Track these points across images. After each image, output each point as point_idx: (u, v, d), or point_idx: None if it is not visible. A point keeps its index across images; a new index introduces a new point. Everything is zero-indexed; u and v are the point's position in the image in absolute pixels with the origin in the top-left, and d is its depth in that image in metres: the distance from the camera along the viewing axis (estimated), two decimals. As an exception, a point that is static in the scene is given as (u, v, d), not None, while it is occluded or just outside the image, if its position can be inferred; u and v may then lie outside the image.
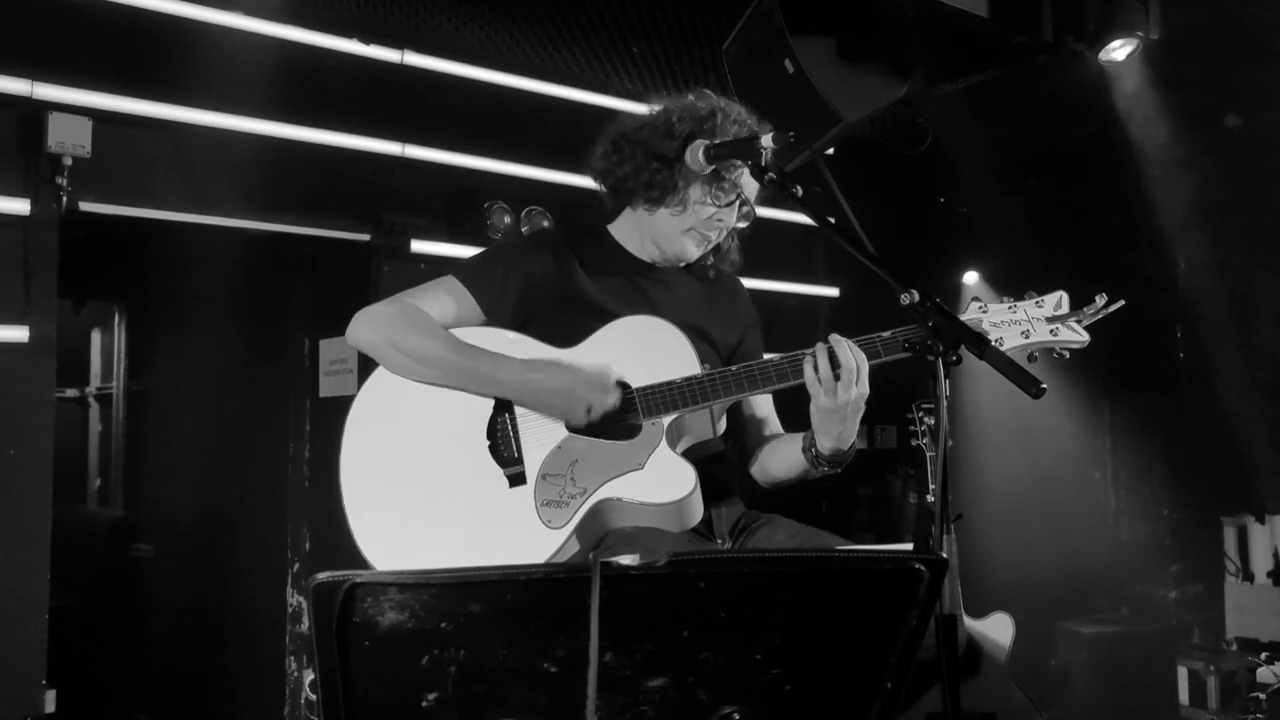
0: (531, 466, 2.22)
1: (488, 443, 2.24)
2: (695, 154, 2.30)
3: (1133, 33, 4.16)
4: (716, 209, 2.38)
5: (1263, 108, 5.42)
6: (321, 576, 1.29)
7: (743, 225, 2.45)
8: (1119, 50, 4.24)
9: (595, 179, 2.52)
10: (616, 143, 2.46)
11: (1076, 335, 2.16)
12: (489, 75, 4.94)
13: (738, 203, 2.40)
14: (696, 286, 2.53)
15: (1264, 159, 5.51)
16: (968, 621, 4.40)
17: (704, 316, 2.47)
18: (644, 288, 2.43)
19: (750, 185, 2.42)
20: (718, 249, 2.53)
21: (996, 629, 4.45)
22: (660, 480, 2.15)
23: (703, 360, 2.25)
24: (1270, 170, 5.50)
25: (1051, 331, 2.16)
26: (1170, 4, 4.23)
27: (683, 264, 2.49)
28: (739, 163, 2.33)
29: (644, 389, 2.21)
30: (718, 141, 2.32)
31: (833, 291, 6.47)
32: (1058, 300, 2.19)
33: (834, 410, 2.14)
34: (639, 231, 2.48)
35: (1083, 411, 6.43)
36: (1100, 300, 2.18)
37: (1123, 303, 2.17)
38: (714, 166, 2.33)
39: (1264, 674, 5.15)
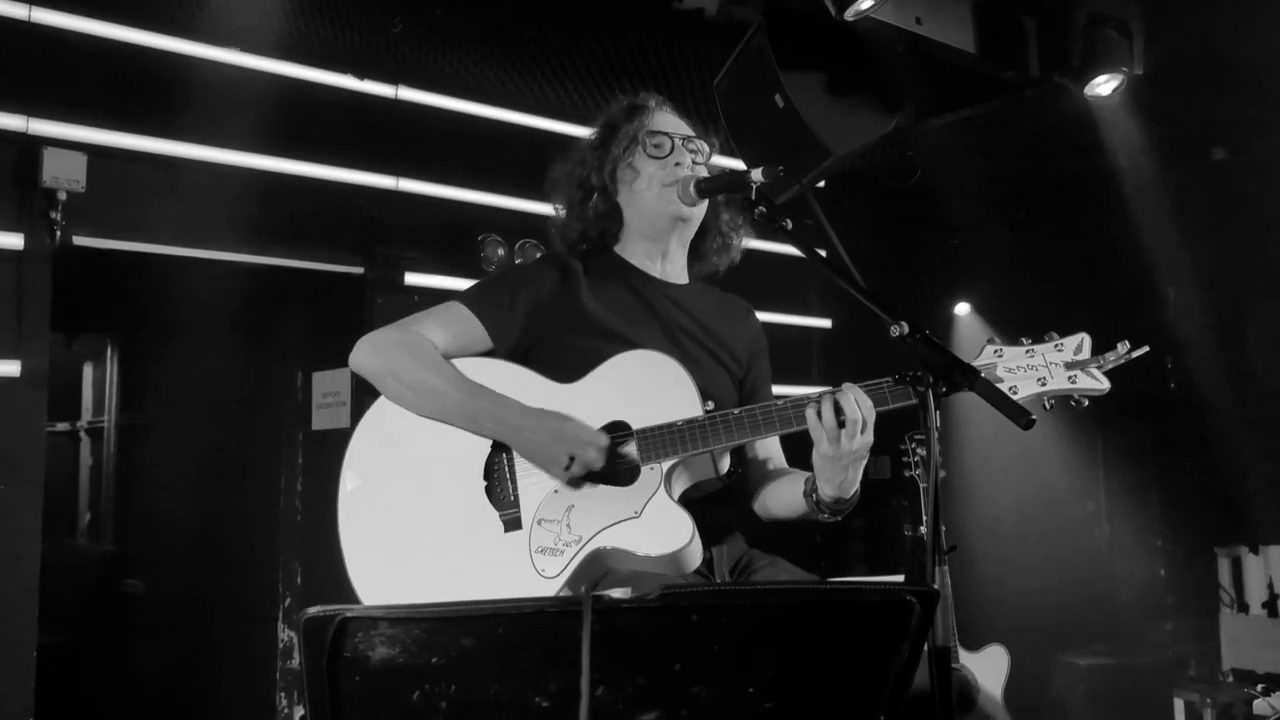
0: (527, 510, 2.17)
1: (485, 483, 2.21)
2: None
3: (1117, 68, 4.21)
4: (661, 160, 2.37)
5: (1247, 140, 5.48)
6: (312, 611, 1.29)
7: (704, 171, 2.39)
8: (1104, 85, 4.29)
9: (573, 226, 2.47)
10: (567, 197, 2.48)
11: (1096, 383, 2.06)
12: (482, 109, 4.99)
13: (679, 145, 2.39)
14: (708, 301, 2.50)
15: (1250, 191, 5.56)
16: (963, 654, 4.39)
17: (718, 332, 2.44)
18: (651, 303, 2.39)
19: (667, 121, 2.44)
20: (721, 243, 2.50)
21: (992, 661, 4.44)
22: (657, 530, 2.10)
23: (705, 398, 2.19)
24: (1256, 201, 5.55)
25: (1070, 379, 2.06)
26: (1154, 39, 4.29)
27: (686, 219, 2.40)
28: (653, 107, 2.45)
29: (643, 431, 2.15)
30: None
31: (825, 323, 6.50)
32: (1078, 344, 2.09)
33: (837, 459, 2.08)
34: (637, 232, 2.44)
35: (1075, 443, 6.44)
36: (1123, 347, 2.08)
37: (1147, 349, 2.08)
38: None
39: (1260, 705, 5.12)
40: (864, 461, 2.14)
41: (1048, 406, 2.11)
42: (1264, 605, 5.65)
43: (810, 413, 2.09)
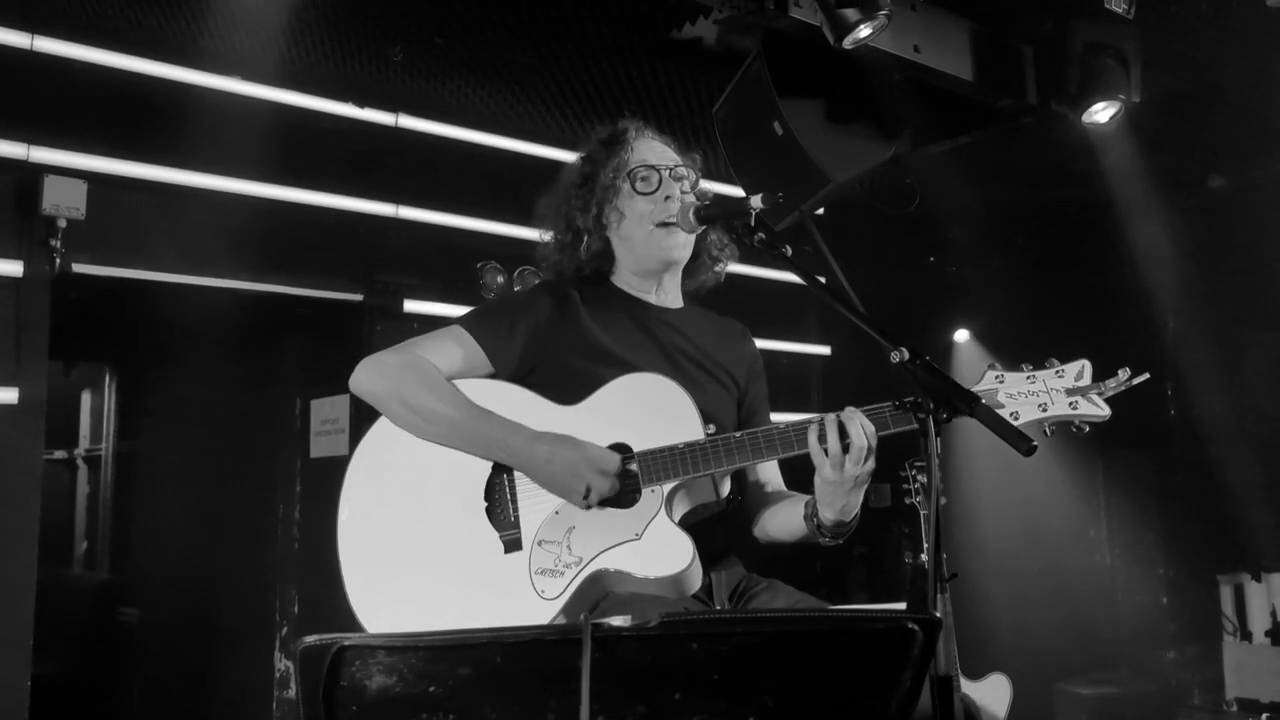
0: (528, 531, 2.17)
1: (485, 504, 2.21)
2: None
3: (1115, 96, 4.23)
4: (648, 196, 2.38)
5: (1245, 168, 5.49)
6: (309, 640, 1.27)
7: (693, 199, 2.36)
8: (1102, 112, 4.30)
9: (564, 263, 2.47)
10: (554, 230, 2.49)
11: (1097, 409, 2.07)
12: (482, 137, 5.01)
13: (666, 177, 2.39)
14: (705, 324, 2.52)
15: (1247, 218, 5.57)
16: (965, 683, 4.35)
17: (716, 355, 2.45)
18: (650, 328, 2.40)
19: (651, 150, 2.44)
20: (709, 265, 2.52)
21: (994, 690, 4.40)
22: (658, 552, 2.11)
23: (707, 421, 2.20)
24: (1254, 229, 5.56)
25: (1071, 405, 2.07)
26: (1151, 67, 4.31)
27: (676, 262, 2.43)
28: (633, 136, 2.44)
29: (645, 454, 2.16)
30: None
31: (824, 350, 6.50)
32: (1079, 370, 2.10)
33: (839, 483, 2.09)
34: (628, 268, 2.45)
35: (1076, 470, 6.42)
36: (1124, 374, 2.09)
37: (1147, 375, 2.08)
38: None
39: (1265, 734, 5.09)
40: (866, 486, 2.15)
41: (1048, 433, 2.12)
42: (1267, 633, 5.61)
43: (813, 437, 2.09)
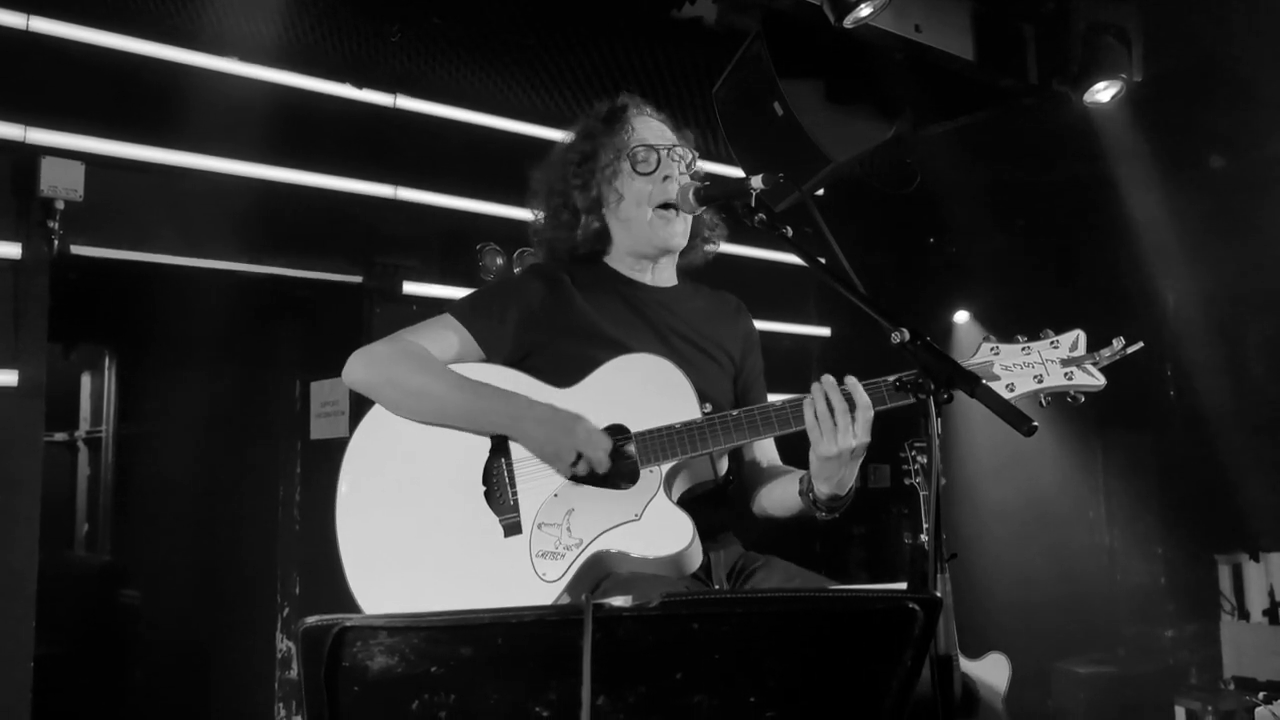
0: (527, 514, 2.17)
1: (483, 488, 2.21)
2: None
3: (1116, 75, 4.21)
4: (648, 176, 2.37)
5: (1246, 148, 5.48)
6: (310, 620, 1.28)
7: (689, 179, 2.36)
8: (1103, 92, 4.29)
9: (559, 242, 2.47)
10: (549, 207, 2.48)
11: (1092, 379, 2.08)
12: (481, 118, 4.99)
13: (665, 156, 2.38)
14: (698, 301, 2.51)
15: (1248, 198, 5.56)
16: (964, 662, 4.37)
17: (711, 332, 2.45)
18: (642, 308, 2.40)
19: (649, 128, 2.43)
20: (702, 244, 2.52)
21: (993, 669, 4.42)
22: (657, 532, 2.11)
23: (703, 400, 2.21)
24: (1254, 209, 5.55)
25: (1066, 375, 2.07)
26: (1153, 47, 4.29)
27: (674, 250, 2.43)
28: (632, 115, 2.43)
29: (642, 434, 2.17)
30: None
31: (824, 331, 6.50)
32: (1074, 340, 2.10)
33: (834, 458, 2.09)
34: (624, 249, 2.45)
35: (1075, 450, 6.44)
36: (1118, 343, 2.09)
37: (1141, 344, 2.09)
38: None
39: (1262, 713, 5.10)
40: (859, 460, 2.14)
41: (1044, 403, 2.12)
42: (1265, 613, 5.63)
43: (807, 411, 2.09)
